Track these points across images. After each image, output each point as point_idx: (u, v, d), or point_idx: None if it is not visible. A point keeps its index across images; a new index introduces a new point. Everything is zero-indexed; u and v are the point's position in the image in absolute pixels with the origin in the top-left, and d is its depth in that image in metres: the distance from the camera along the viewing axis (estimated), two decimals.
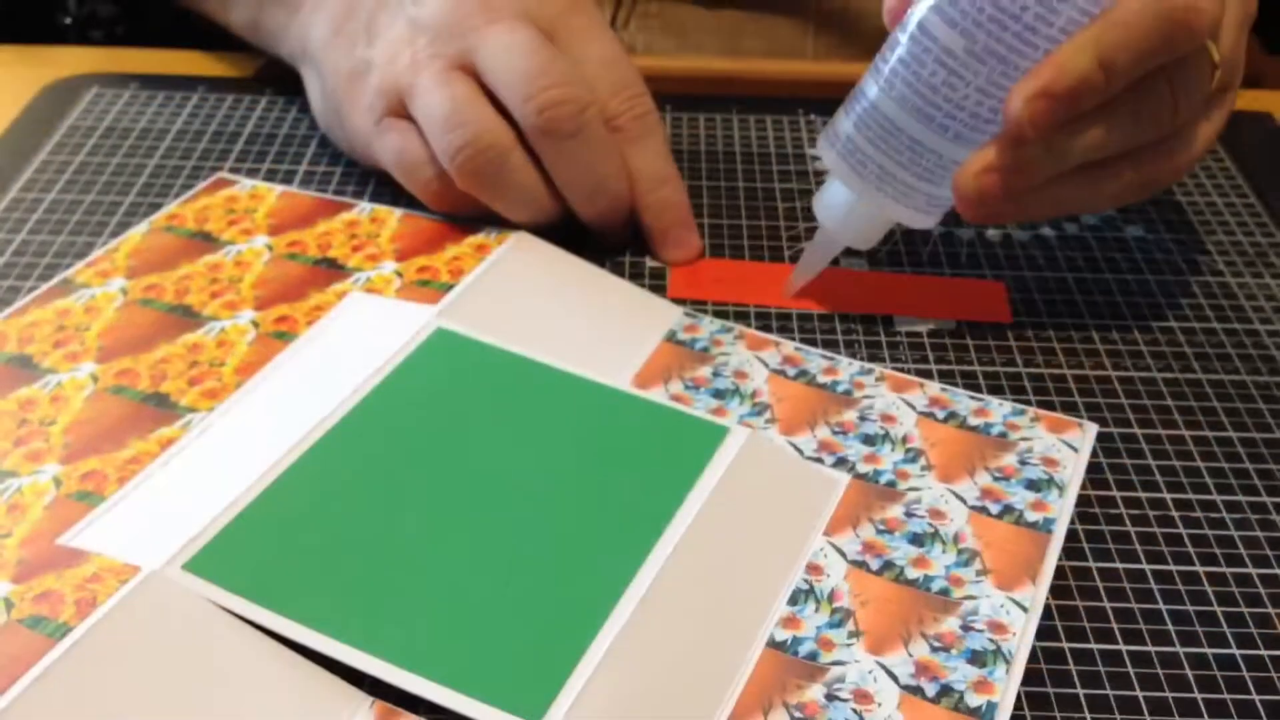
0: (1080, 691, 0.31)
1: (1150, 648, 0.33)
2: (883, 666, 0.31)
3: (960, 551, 0.35)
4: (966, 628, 0.32)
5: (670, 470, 0.36)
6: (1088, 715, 0.31)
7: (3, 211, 0.48)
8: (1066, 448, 0.38)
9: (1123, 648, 0.33)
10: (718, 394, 0.40)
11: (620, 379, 0.40)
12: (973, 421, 0.39)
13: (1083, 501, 0.37)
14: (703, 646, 0.32)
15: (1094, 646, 0.33)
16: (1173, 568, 0.35)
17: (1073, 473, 0.37)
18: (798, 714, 0.30)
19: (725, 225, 0.49)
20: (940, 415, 0.39)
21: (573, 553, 0.34)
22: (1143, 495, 0.37)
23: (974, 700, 0.31)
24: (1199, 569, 0.35)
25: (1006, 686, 0.31)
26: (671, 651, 0.31)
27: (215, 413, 0.38)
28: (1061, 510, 0.36)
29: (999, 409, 0.40)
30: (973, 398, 0.40)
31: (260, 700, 0.30)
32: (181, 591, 0.32)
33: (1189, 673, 0.32)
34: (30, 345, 0.41)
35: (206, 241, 0.46)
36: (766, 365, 0.41)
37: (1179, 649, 0.33)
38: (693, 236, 0.47)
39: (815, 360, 0.42)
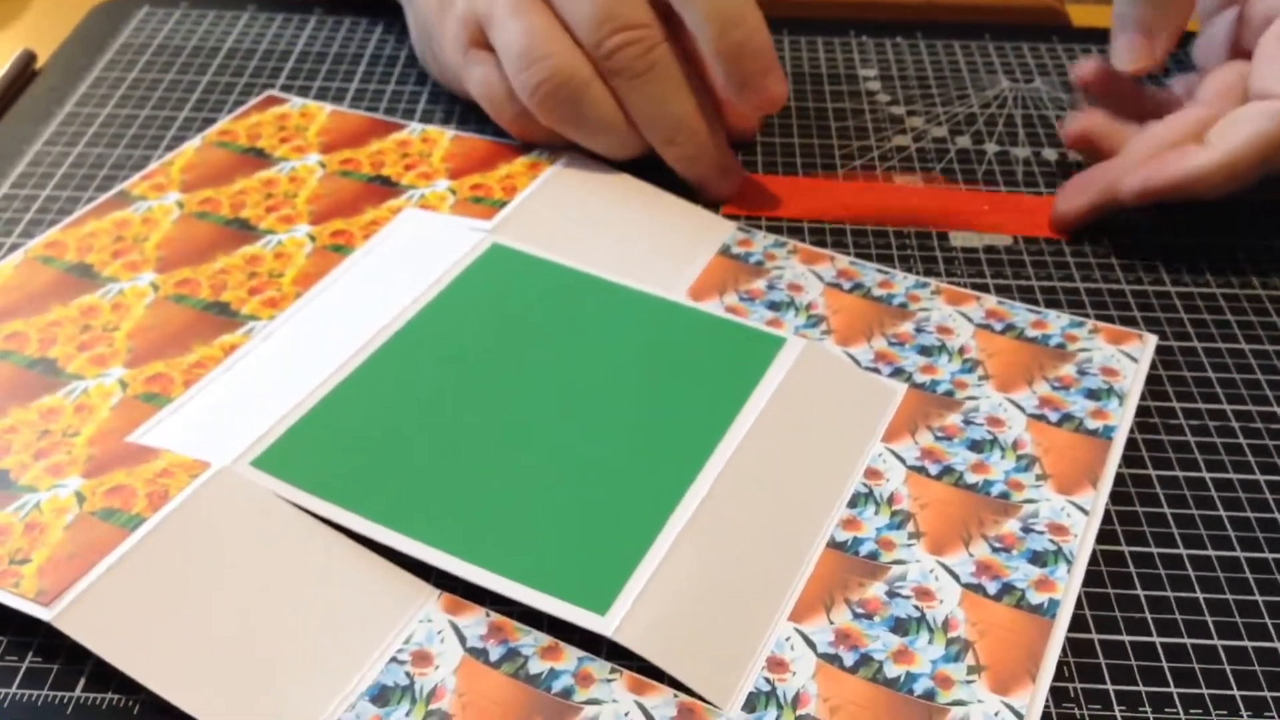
0: (1141, 592, 0.31)
1: (1210, 551, 0.33)
2: (944, 566, 0.32)
3: (1020, 457, 0.35)
4: (1027, 529, 0.33)
5: (728, 379, 0.36)
6: (1149, 615, 0.31)
7: (59, 125, 0.48)
8: (1126, 358, 0.38)
9: (1183, 551, 0.33)
10: (773, 306, 0.40)
11: (675, 292, 0.40)
12: (1030, 333, 0.39)
13: (1142, 412, 0.37)
14: (763, 545, 0.32)
15: (1154, 550, 0.33)
16: (1233, 476, 0.35)
17: (1132, 382, 0.37)
18: (859, 609, 0.31)
19: (778, 144, 0.49)
20: (998, 327, 0.39)
21: (634, 456, 0.34)
22: (1202, 406, 0.37)
23: (1035, 598, 0.31)
24: (1259, 477, 0.35)
25: (1069, 585, 0.31)
26: (733, 549, 0.32)
27: (276, 321, 0.38)
28: (1121, 418, 0.36)
29: (1056, 321, 0.39)
30: (1030, 310, 0.40)
31: (328, 590, 0.31)
32: (251, 486, 0.32)
33: (1249, 576, 0.32)
34: (90, 254, 0.41)
35: (259, 157, 0.46)
36: (821, 279, 0.41)
37: (1239, 553, 0.33)
38: (776, 83, 0.42)
39: (870, 274, 0.41)
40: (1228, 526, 0.33)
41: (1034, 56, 0.55)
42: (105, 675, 0.29)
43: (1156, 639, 0.30)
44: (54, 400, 0.35)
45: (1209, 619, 0.31)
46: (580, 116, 0.43)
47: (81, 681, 0.29)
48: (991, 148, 0.49)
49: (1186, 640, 0.30)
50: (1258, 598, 0.31)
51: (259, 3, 0.57)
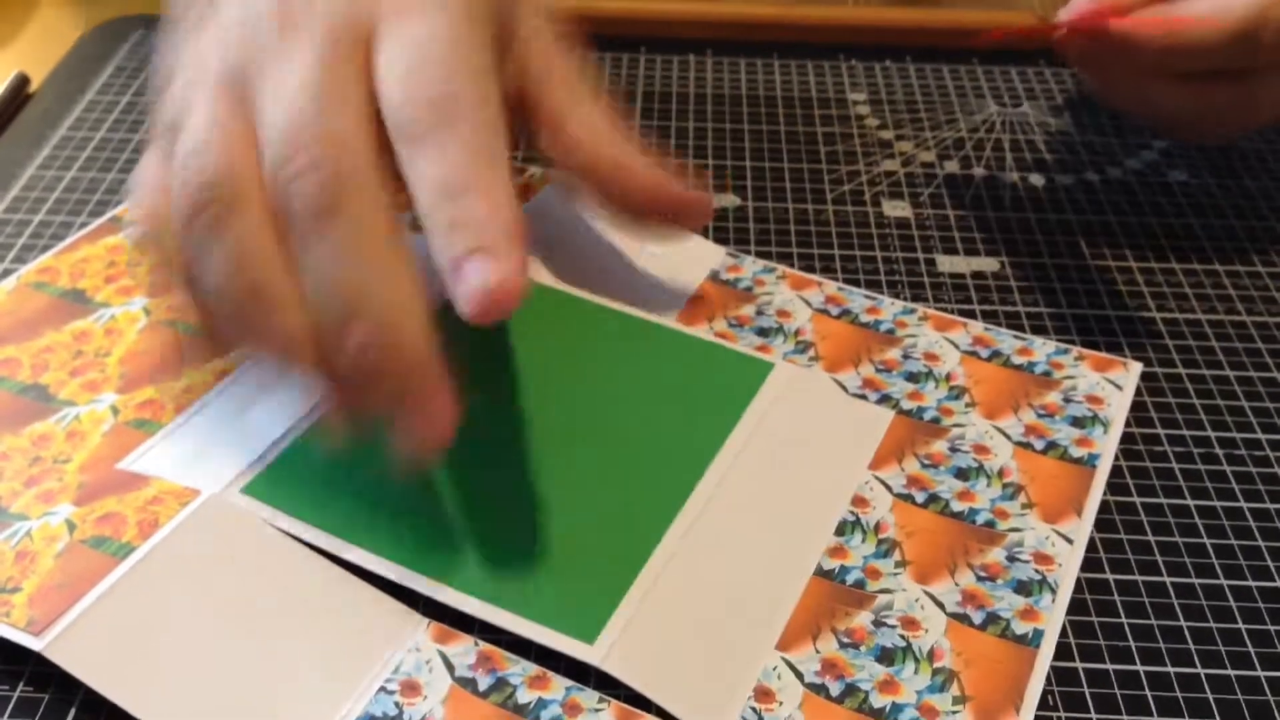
0: (1125, 620, 0.32)
1: (1194, 579, 0.33)
2: (929, 595, 0.32)
3: (1005, 485, 0.35)
4: (1012, 558, 0.33)
5: (716, 405, 0.37)
6: (1132, 643, 0.31)
7: (53, 149, 0.49)
8: (1110, 385, 0.38)
9: (1167, 579, 0.33)
10: (761, 332, 0.40)
11: (665, 317, 0.40)
12: (1016, 360, 0.39)
13: (1127, 439, 0.37)
14: (751, 573, 0.32)
15: (1138, 578, 0.33)
16: (1217, 503, 0.35)
17: (1117, 410, 0.37)
18: (846, 639, 0.31)
19: (767, 168, 0.49)
20: (984, 354, 0.39)
21: (622, 483, 0.34)
22: (1187, 433, 0.37)
23: (1020, 628, 0.31)
24: (1243, 505, 0.35)
25: (1053, 615, 0.31)
26: (721, 577, 0.32)
27: None
28: (1106, 446, 0.36)
29: (1042, 348, 0.40)
30: (1016, 337, 0.40)
31: (318, 619, 0.31)
32: (240, 514, 0.33)
33: (1233, 604, 0.32)
34: (82, 280, 0.41)
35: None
36: (809, 304, 0.41)
37: (1223, 581, 0.33)
38: (512, 259, 0.29)
39: (858, 300, 0.42)
40: (1211, 554, 0.34)
41: (1022, 81, 0.56)
42: (96, 704, 0.29)
43: (1140, 667, 0.31)
44: (45, 426, 0.36)
45: (1192, 647, 0.31)
46: (217, 245, 0.29)
47: (72, 711, 0.29)
48: (979, 172, 0.49)
49: (1170, 669, 0.31)
50: (1240, 626, 0.32)
51: None
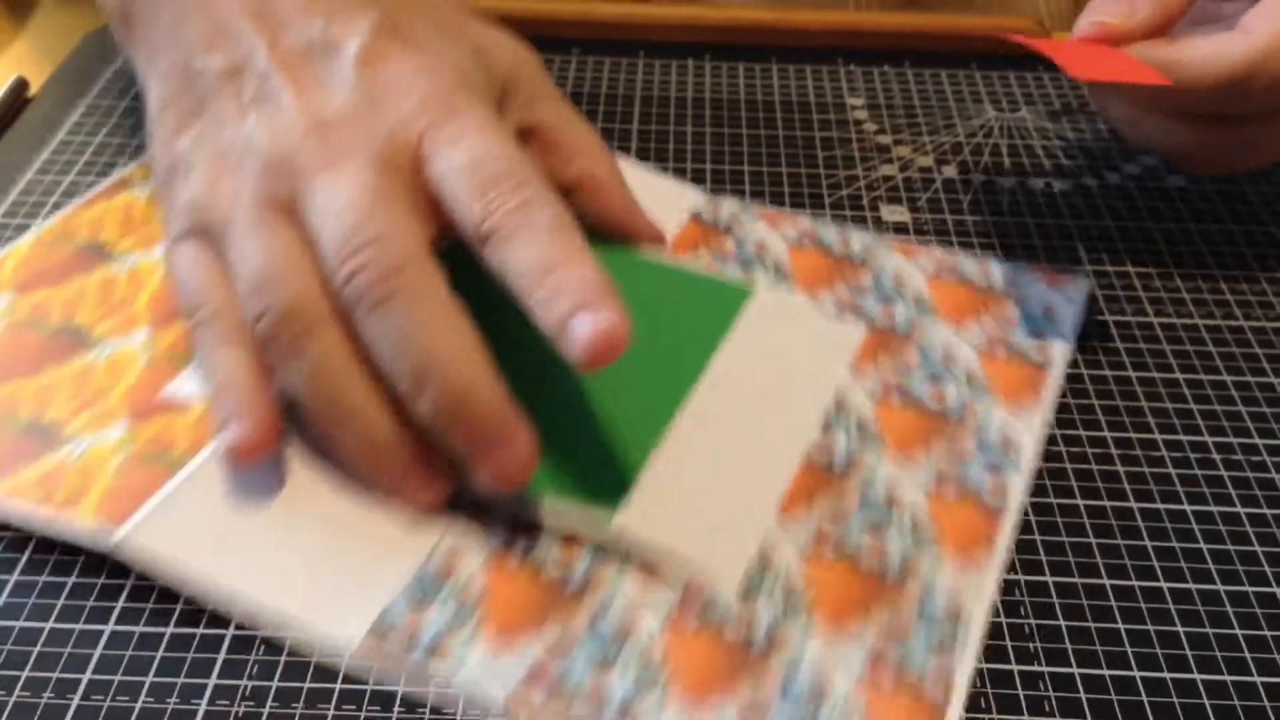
0: (1122, 627, 0.32)
1: (1191, 585, 0.33)
2: (907, 476, 0.35)
3: (971, 383, 0.39)
4: (982, 444, 0.36)
5: (704, 323, 0.40)
6: (1129, 649, 0.31)
7: (51, 153, 0.49)
8: (1061, 297, 0.42)
9: (1164, 585, 0.33)
10: (744, 264, 0.43)
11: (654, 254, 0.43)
12: (978, 280, 0.43)
13: (1123, 444, 0.37)
14: (747, 456, 0.36)
15: (1135, 584, 0.33)
16: (1214, 509, 0.35)
17: (1066, 320, 0.41)
18: (836, 514, 0.34)
19: (765, 173, 0.49)
20: (950, 277, 0.43)
21: (623, 388, 0.36)
22: (1184, 439, 0.37)
23: (992, 501, 0.35)
24: (1240, 510, 0.35)
25: (1020, 487, 0.35)
26: (720, 460, 0.35)
27: None
28: (1057, 353, 0.40)
29: (999, 268, 0.43)
30: (978, 261, 0.44)
31: (363, 508, 0.33)
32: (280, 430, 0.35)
33: (1229, 609, 0.32)
34: (101, 234, 0.43)
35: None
36: (785, 238, 0.44)
37: (1219, 586, 0.33)
38: (612, 313, 0.31)
39: (829, 233, 0.45)
40: (1208, 560, 0.34)
41: (1020, 86, 0.56)
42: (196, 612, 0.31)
43: (1136, 673, 0.31)
44: (85, 362, 0.38)
45: (1189, 653, 0.31)
46: (300, 360, 0.33)
47: (175, 615, 0.32)
48: (978, 177, 0.49)
49: (1166, 675, 0.31)
50: (1237, 631, 0.32)
51: None
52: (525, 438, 0.32)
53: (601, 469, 0.34)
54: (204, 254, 0.36)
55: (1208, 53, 0.39)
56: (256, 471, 0.34)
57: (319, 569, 0.32)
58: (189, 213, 0.36)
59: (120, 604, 0.32)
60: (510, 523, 0.33)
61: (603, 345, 0.30)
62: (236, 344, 0.34)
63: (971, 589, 0.32)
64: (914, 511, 0.34)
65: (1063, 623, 0.32)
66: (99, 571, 0.32)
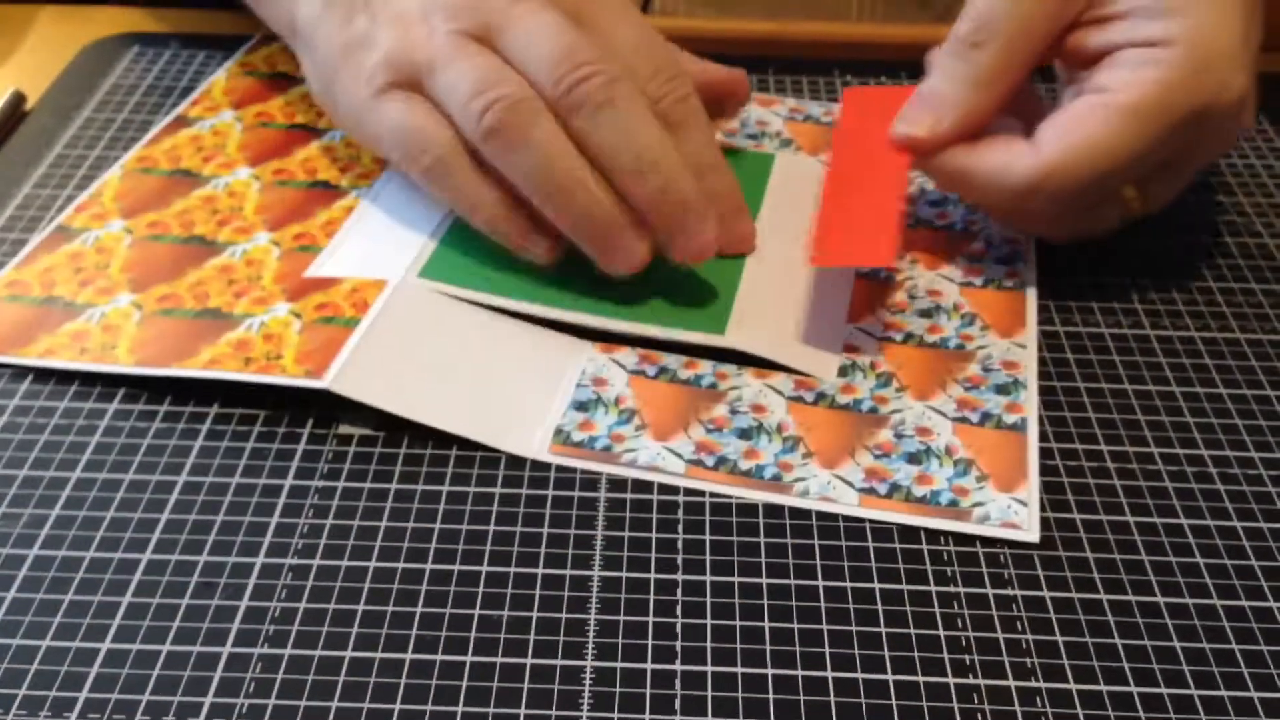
0: (1119, 642, 0.32)
1: (1188, 599, 0.33)
2: (932, 408, 0.39)
3: (962, 317, 0.42)
4: (986, 369, 0.40)
5: (748, 185, 0.46)
6: (1125, 664, 0.31)
7: (49, 167, 0.49)
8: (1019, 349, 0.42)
9: (1161, 599, 0.33)
10: (751, 138, 0.52)
11: None
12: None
13: (1119, 458, 0.37)
14: (810, 279, 0.43)
15: (1131, 599, 0.33)
16: (1211, 522, 0.35)
17: (1026, 245, 0.45)
18: (878, 452, 0.37)
19: None
20: None
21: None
22: (1180, 452, 0.37)
23: (1009, 419, 0.38)
24: (1236, 524, 0.35)
25: (1030, 403, 0.39)
26: (794, 288, 0.43)
27: (377, 183, 0.47)
28: (1028, 275, 0.44)
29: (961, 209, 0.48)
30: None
31: (515, 350, 0.40)
32: (426, 291, 0.41)
33: (1226, 624, 0.32)
34: (182, 163, 0.48)
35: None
36: (779, 115, 0.53)
37: (1216, 602, 0.33)
38: (746, 224, 0.43)
39: (814, 109, 0.54)
40: (1205, 574, 0.34)
41: None
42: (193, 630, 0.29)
43: (1134, 689, 0.31)
44: (223, 260, 0.43)
45: (1185, 668, 0.31)
46: (529, 147, 0.39)
47: (170, 634, 0.30)
48: None
49: (1163, 690, 0.31)
50: (1234, 647, 0.32)
51: (249, 42, 0.58)
52: (713, 224, 0.40)
53: (704, 300, 0.41)
54: (412, 99, 0.41)
55: (996, 167, 0.41)
56: (422, 324, 0.40)
57: (491, 397, 0.38)
58: (387, 67, 0.41)
59: (117, 621, 0.32)
60: (637, 350, 0.40)
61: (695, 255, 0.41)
62: (476, 173, 0.40)
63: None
64: (948, 442, 0.37)
65: (1059, 638, 0.32)
66: (94, 589, 0.33)
